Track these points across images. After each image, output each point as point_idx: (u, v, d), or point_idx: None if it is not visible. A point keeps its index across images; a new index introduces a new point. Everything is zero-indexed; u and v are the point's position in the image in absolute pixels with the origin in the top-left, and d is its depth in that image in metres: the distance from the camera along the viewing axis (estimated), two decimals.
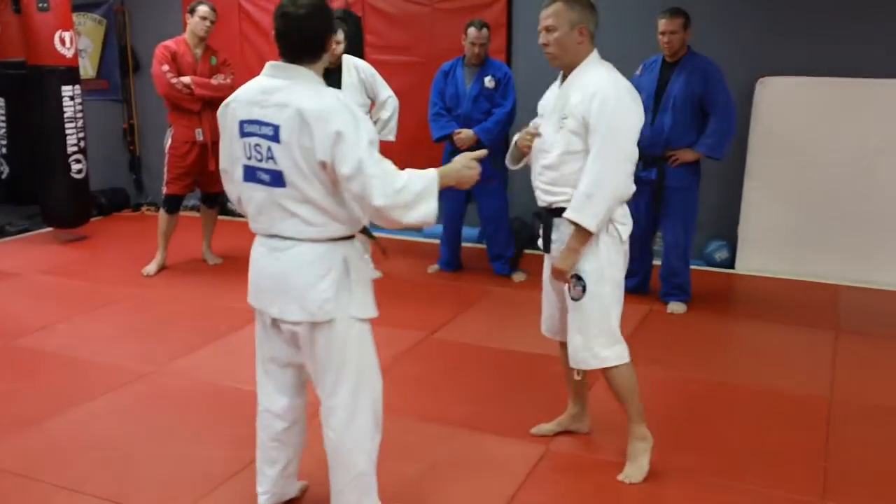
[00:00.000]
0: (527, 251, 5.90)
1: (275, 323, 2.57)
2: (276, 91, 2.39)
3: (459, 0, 6.40)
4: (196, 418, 3.61)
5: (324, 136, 2.29)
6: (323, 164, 2.33)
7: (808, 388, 3.96)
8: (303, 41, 2.40)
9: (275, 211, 2.45)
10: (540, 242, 3.13)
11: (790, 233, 5.75)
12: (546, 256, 3.15)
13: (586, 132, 2.86)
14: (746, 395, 3.90)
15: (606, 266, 2.95)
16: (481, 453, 3.31)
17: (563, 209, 2.94)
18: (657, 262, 5.25)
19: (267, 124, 2.38)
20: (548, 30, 2.92)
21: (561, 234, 2.99)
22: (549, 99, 3.07)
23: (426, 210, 2.37)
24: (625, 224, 2.97)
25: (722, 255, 6.00)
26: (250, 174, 2.46)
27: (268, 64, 2.46)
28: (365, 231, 2.61)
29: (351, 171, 2.28)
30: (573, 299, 3.00)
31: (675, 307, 5.01)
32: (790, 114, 5.68)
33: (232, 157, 2.53)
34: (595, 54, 2.97)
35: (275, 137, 2.37)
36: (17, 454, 3.30)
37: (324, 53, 2.44)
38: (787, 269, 5.73)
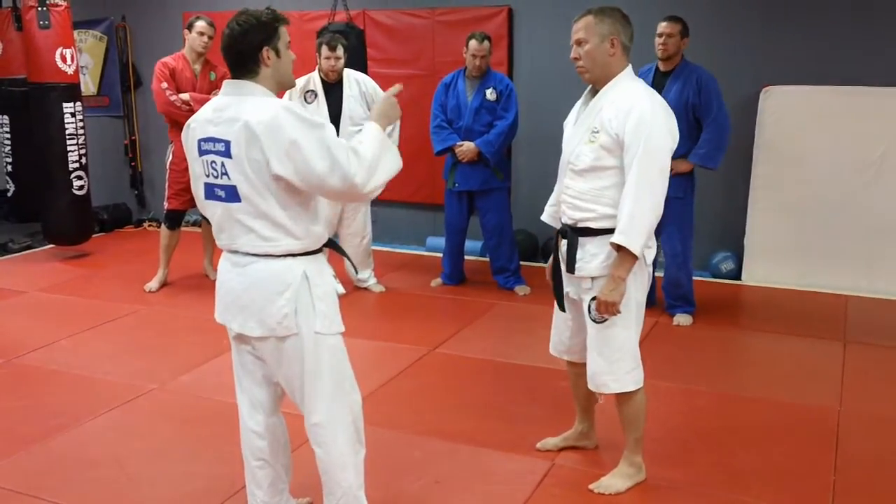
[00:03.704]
0: (527, 263, 5.87)
1: (240, 338, 2.58)
2: (227, 107, 2.42)
3: (460, 13, 6.40)
4: (198, 435, 3.58)
5: (277, 148, 2.31)
6: (277, 177, 2.34)
7: (816, 399, 3.92)
8: (236, 57, 2.44)
9: (233, 227, 2.47)
10: (563, 265, 3.02)
11: (796, 243, 5.71)
12: (565, 276, 3.05)
13: (619, 149, 2.81)
14: (754, 407, 3.86)
15: (632, 290, 2.89)
16: (486, 469, 3.28)
17: (588, 228, 2.90)
18: (659, 273, 5.22)
19: (219, 140, 2.40)
20: (578, 43, 2.88)
21: (585, 252, 2.92)
22: (574, 113, 3.02)
23: (393, 162, 2.46)
24: (650, 247, 2.92)
25: (728, 266, 5.97)
26: (209, 191, 2.49)
27: (224, 82, 2.51)
28: (333, 245, 2.63)
29: (326, 166, 2.31)
30: (595, 322, 2.94)
31: (682, 319, 4.98)
32: (795, 123, 5.66)
33: (195, 176, 2.55)
34: (629, 70, 2.92)
35: (226, 153, 2.39)
36: (19, 472, 3.27)
37: (259, 67, 2.44)
38: (793, 279, 5.69)
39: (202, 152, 2.46)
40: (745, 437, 3.55)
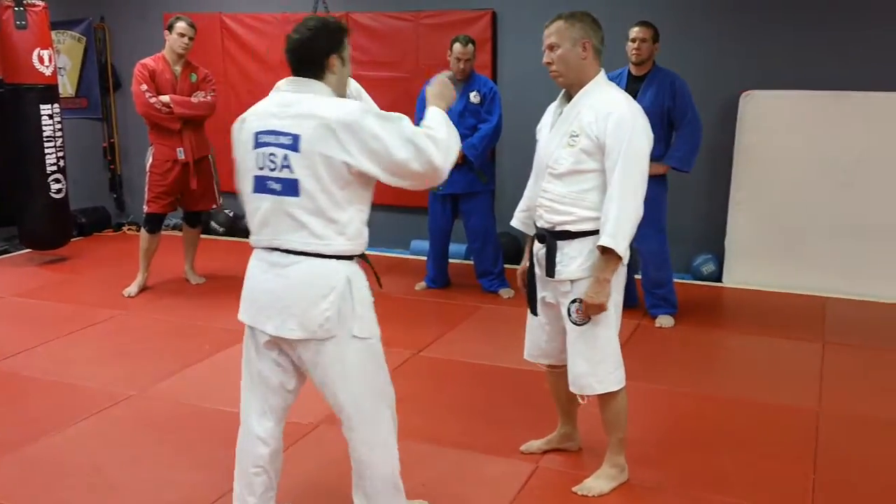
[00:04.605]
0: (511, 266, 5.86)
1: (271, 342, 2.54)
2: (295, 103, 2.45)
3: (444, 15, 6.41)
4: (179, 442, 3.55)
5: (359, 143, 2.36)
6: (359, 173, 2.40)
7: (796, 400, 3.95)
8: (304, 60, 2.49)
9: (282, 222, 2.46)
10: (539, 269, 3.04)
11: (777, 245, 5.76)
12: (542, 280, 3.06)
13: (599, 152, 2.84)
14: (735, 408, 3.88)
15: (613, 290, 2.90)
16: (471, 472, 3.27)
17: (567, 231, 2.91)
18: (637, 275, 5.25)
19: (286, 134, 2.42)
20: (551, 48, 2.90)
21: (564, 256, 2.93)
22: (548, 118, 3.04)
23: (457, 139, 2.53)
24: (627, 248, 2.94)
25: (709, 268, 6.00)
26: (260, 184, 2.49)
27: (283, 80, 2.53)
28: (363, 257, 2.63)
29: (409, 154, 2.39)
30: (576, 324, 2.95)
31: (664, 321, 5.00)
32: (774, 127, 5.71)
33: (243, 170, 2.55)
34: (603, 75, 2.95)
35: (293, 147, 2.41)
36: None
37: (325, 73, 2.50)
38: (773, 281, 5.73)
39: (259, 144, 2.47)
40: (726, 438, 3.57)
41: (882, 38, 5.48)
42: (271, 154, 2.44)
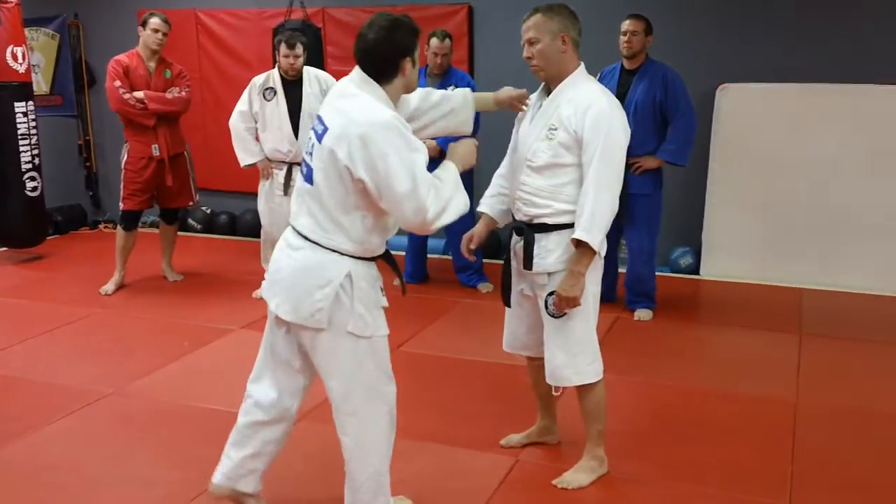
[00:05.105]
0: (489, 261, 5.87)
1: (279, 318, 2.61)
2: (346, 96, 2.48)
3: (421, 10, 6.38)
4: (158, 440, 3.53)
5: (366, 155, 2.35)
6: (359, 181, 2.39)
7: (773, 391, 3.99)
8: (376, 61, 2.48)
9: (302, 204, 2.54)
10: (514, 261, 3.05)
11: (753, 238, 5.80)
12: (519, 273, 3.07)
13: (577, 146, 2.84)
14: (712, 399, 3.91)
15: (589, 283, 2.91)
16: (451, 466, 3.28)
17: (544, 224, 2.91)
18: (622, 269, 5.27)
19: (322, 123, 2.47)
20: (530, 42, 2.89)
21: (542, 248, 2.93)
22: (527, 113, 3.02)
23: (461, 204, 2.49)
24: (603, 240, 2.95)
25: (687, 261, 6.04)
26: (304, 161, 2.58)
27: (355, 71, 2.53)
28: (388, 259, 2.68)
29: (406, 190, 2.35)
30: (553, 316, 2.95)
31: (642, 314, 5.02)
32: (751, 120, 5.75)
33: None
34: (582, 68, 2.94)
35: (320, 137, 2.45)
36: None
37: (396, 76, 2.49)
38: (750, 273, 5.78)
39: (314, 125, 2.54)
40: (704, 430, 3.60)
41: (858, 30, 5.53)
42: (310, 137, 2.53)
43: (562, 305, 2.90)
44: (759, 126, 5.74)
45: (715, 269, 5.90)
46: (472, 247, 3.19)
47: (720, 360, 4.50)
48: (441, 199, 2.41)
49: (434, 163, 2.57)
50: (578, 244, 2.83)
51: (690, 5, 5.85)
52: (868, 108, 5.52)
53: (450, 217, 2.45)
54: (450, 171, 2.53)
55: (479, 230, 3.19)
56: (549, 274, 2.94)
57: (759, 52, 5.72)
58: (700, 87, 5.72)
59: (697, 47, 5.81)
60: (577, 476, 3.12)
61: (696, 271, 5.98)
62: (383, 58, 2.46)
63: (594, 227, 2.80)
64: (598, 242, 2.83)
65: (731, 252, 5.86)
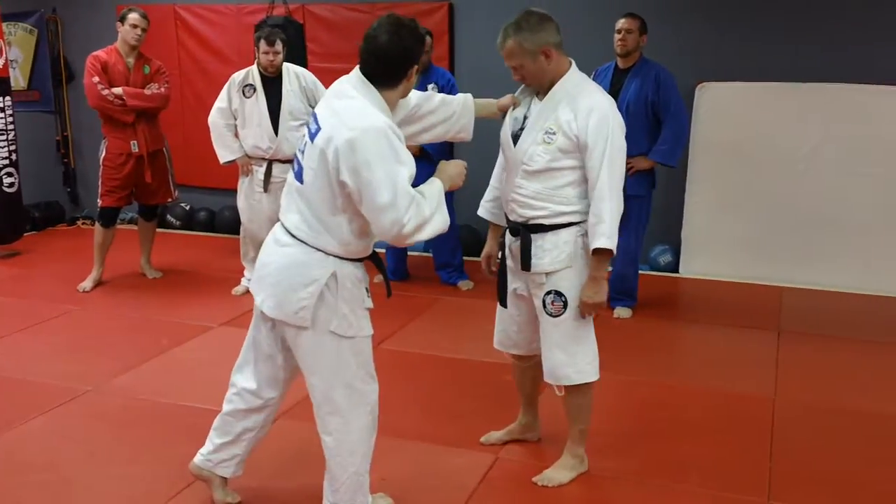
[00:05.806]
0: (470, 258, 5.87)
1: (264, 314, 2.63)
2: (342, 97, 2.47)
3: (401, 7, 6.36)
4: (136, 437, 3.50)
5: (351, 159, 2.34)
6: (343, 184, 2.39)
7: (752, 389, 4.01)
8: (385, 66, 2.46)
9: (291, 201, 2.55)
10: (510, 262, 3.04)
11: (732, 236, 5.83)
12: (512, 272, 3.06)
13: (577, 150, 2.82)
14: (692, 397, 3.93)
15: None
16: (431, 464, 3.28)
17: (541, 225, 2.90)
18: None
19: (316, 122, 2.47)
20: (515, 70, 2.87)
21: (538, 249, 2.92)
22: (519, 114, 2.98)
23: (441, 223, 2.46)
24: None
25: (666, 259, 6.06)
26: (296, 158, 2.58)
27: (354, 71, 2.50)
28: (374, 261, 2.67)
29: (386, 201, 2.34)
30: (552, 315, 2.95)
31: (622, 312, 5.04)
32: (729, 118, 5.77)
33: None
34: (574, 67, 2.92)
35: (312, 136, 2.46)
36: None
37: (401, 83, 2.48)
38: (730, 271, 5.81)
39: (308, 123, 2.54)
40: (684, 427, 3.62)
41: (836, 29, 5.56)
42: (304, 135, 2.55)
43: (588, 311, 2.92)
44: (738, 124, 5.76)
45: (694, 267, 5.93)
46: (494, 269, 3.19)
47: (699, 357, 4.53)
48: (420, 215, 2.40)
49: (416, 160, 2.56)
50: (596, 250, 2.83)
51: (669, 4, 5.88)
52: (845, 106, 5.56)
53: (426, 235, 2.44)
54: (435, 188, 2.51)
55: (493, 248, 3.21)
56: (547, 274, 2.93)
57: (737, 51, 5.74)
58: (679, 86, 5.72)
59: (676, 46, 5.82)
60: (556, 473, 3.13)
61: (676, 269, 6.01)
62: (394, 63, 2.45)
63: (613, 234, 2.81)
64: (615, 245, 2.83)
65: (711, 250, 5.89)
